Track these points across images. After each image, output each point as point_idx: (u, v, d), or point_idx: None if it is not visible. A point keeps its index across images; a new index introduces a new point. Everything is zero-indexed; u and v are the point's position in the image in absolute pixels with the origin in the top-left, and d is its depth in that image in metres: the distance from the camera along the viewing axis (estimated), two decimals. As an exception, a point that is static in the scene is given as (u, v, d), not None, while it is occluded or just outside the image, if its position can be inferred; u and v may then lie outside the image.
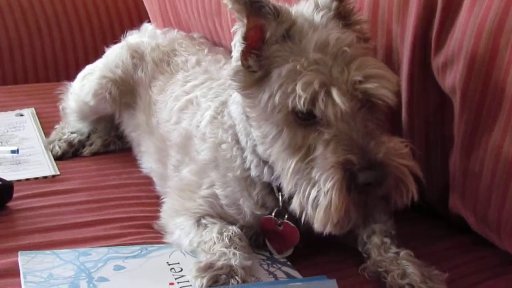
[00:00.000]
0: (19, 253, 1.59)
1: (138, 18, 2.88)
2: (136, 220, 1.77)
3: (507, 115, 1.46)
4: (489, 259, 1.62)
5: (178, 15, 2.46)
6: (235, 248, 1.53)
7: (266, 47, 1.47)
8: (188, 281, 1.50)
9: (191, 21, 2.39)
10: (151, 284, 1.50)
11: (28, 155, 2.12)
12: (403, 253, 1.55)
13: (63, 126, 2.24)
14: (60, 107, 2.29)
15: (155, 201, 1.85)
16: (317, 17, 1.50)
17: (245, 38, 1.46)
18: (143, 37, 2.18)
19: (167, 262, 1.58)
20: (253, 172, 1.59)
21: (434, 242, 1.69)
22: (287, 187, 1.47)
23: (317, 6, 1.52)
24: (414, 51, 1.63)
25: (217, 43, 2.27)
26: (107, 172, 2.03)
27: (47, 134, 2.24)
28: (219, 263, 1.48)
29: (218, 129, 1.66)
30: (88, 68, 2.21)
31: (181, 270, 1.54)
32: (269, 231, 1.61)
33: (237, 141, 1.61)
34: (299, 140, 1.44)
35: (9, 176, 1.92)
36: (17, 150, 2.09)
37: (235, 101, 1.61)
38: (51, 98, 2.41)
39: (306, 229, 1.53)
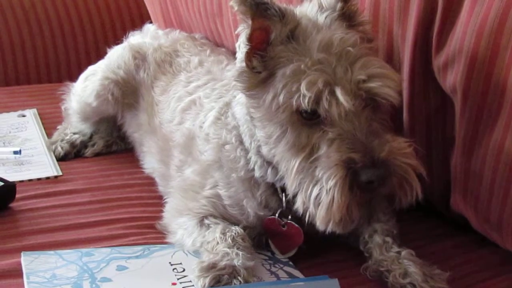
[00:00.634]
0: (22, 253, 1.60)
1: (139, 18, 2.88)
2: (138, 221, 1.78)
3: (508, 115, 1.46)
4: (490, 258, 1.63)
5: (180, 16, 2.46)
6: (238, 248, 1.53)
7: (270, 48, 1.47)
8: (190, 281, 1.50)
9: (193, 22, 2.39)
10: (153, 284, 1.51)
11: (31, 156, 2.12)
12: (404, 252, 1.55)
13: (65, 126, 2.24)
14: (63, 107, 2.29)
15: (158, 201, 1.86)
16: (321, 18, 1.51)
17: (250, 39, 1.47)
18: (145, 37, 2.18)
19: (170, 262, 1.58)
20: (257, 173, 1.59)
21: (435, 241, 1.70)
22: (291, 187, 1.47)
23: (321, 7, 1.53)
24: (415, 51, 1.64)
25: (218, 44, 2.27)
26: (109, 173, 2.03)
27: (49, 135, 2.25)
28: (222, 263, 1.48)
29: (222, 130, 1.67)
30: (90, 69, 2.21)
31: (184, 270, 1.55)
32: (273, 231, 1.61)
33: (241, 142, 1.62)
34: (303, 140, 1.45)
35: (11, 177, 1.93)
36: (20, 151, 2.10)
37: (239, 102, 1.61)
38: (53, 98, 2.41)
39: (310, 230, 1.54)
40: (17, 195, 1.85)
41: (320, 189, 1.41)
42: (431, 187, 1.71)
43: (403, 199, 1.45)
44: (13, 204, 1.84)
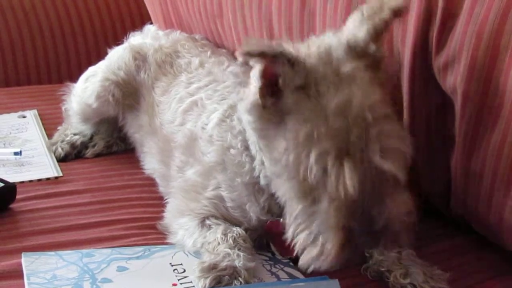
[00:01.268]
0: (22, 254, 1.59)
1: (140, 19, 2.88)
2: (139, 221, 1.77)
3: (508, 115, 1.46)
4: (491, 258, 1.63)
5: (180, 16, 2.46)
6: (239, 249, 1.53)
7: (282, 93, 1.42)
8: (191, 281, 1.50)
9: (193, 23, 2.39)
10: (154, 285, 1.51)
11: (31, 156, 2.12)
12: (405, 252, 1.55)
13: (65, 127, 2.23)
14: (63, 108, 2.29)
15: (158, 202, 1.85)
16: (345, 68, 1.43)
17: (262, 76, 1.42)
18: (145, 38, 2.18)
19: (170, 263, 1.58)
20: (262, 181, 1.58)
21: (436, 242, 1.70)
22: (288, 227, 1.46)
23: (349, 49, 1.45)
24: (415, 52, 1.63)
25: (219, 45, 2.27)
26: (110, 174, 2.03)
27: (49, 135, 2.24)
28: (223, 264, 1.48)
29: (227, 133, 1.66)
30: (91, 70, 2.21)
31: (184, 271, 1.55)
32: (275, 234, 1.61)
33: (247, 147, 1.60)
34: (307, 189, 1.41)
35: (12, 178, 1.92)
36: (20, 152, 2.09)
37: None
38: (53, 99, 2.41)
39: None
40: (18, 196, 1.85)
41: (316, 246, 1.41)
42: (431, 188, 1.71)
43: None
44: (13, 205, 1.84)
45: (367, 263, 1.58)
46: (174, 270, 1.56)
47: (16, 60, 2.81)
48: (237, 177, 1.62)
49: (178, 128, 1.84)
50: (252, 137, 1.57)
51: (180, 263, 1.57)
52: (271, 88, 1.43)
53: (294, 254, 1.58)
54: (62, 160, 2.12)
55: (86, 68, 2.27)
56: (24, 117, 2.39)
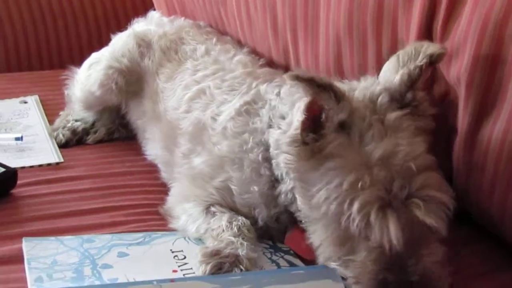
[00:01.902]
0: (23, 239, 1.59)
1: (142, 4, 2.87)
2: (140, 208, 1.78)
3: (511, 107, 1.46)
4: (492, 251, 1.62)
5: (183, 3, 2.46)
6: (243, 238, 1.52)
7: (325, 131, 1.39)
8: (191, 268, 1.50)
9: (196, 9, 2.38)
10: (154, 271, 1.50)
11: (32, 142, 2.12)
12: None
13: (67, 113, 2.23)
14: (66, 93, 2.29)
15: (159, 188, 1.85)
16: (390, 117, 1.40)
17: (307, 109, 1.40)
18: (149, 25, 2.17)
19: (171, 250, 1.58)
20: (282, 200, 1.56)
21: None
22: (320, 259, 1.45)
23: (391, 98, 1.43)
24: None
25: (222, 32, 2.26)
26: (111, 160, 2.03)
27: (51, 121, 2.24)
28: (226, 251, 1.48)
29: (245, 133, 1.63)
30: (94, 56, 2.20)
31: (185, 257, 1.55)
32: (296, 244, 1.57)
33: (265, 159, 1.57)
34: (346, 238, 1.39)
35: (13, 163, 1.92)
36: (21, 137, 2.09)
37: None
38: (55, 85, 2.40)
39: None
40: (19, 182, 1.85)
41: None
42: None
43: None
44: (14, 191, 1.83)
45: None
46: (174, 256, 1.56)
47: (17, 46, 2.80)
48: (254, 184, 1.60)
49: (184, 115, 1.83)
50: (281, 167, 1.52)
51: (180, 250, 1.57)
52: (314, 124, 1.41)
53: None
54: (63, 146, 2.12)
55: (88, 53, 2.26)
56: (25, 102, 2.39)
